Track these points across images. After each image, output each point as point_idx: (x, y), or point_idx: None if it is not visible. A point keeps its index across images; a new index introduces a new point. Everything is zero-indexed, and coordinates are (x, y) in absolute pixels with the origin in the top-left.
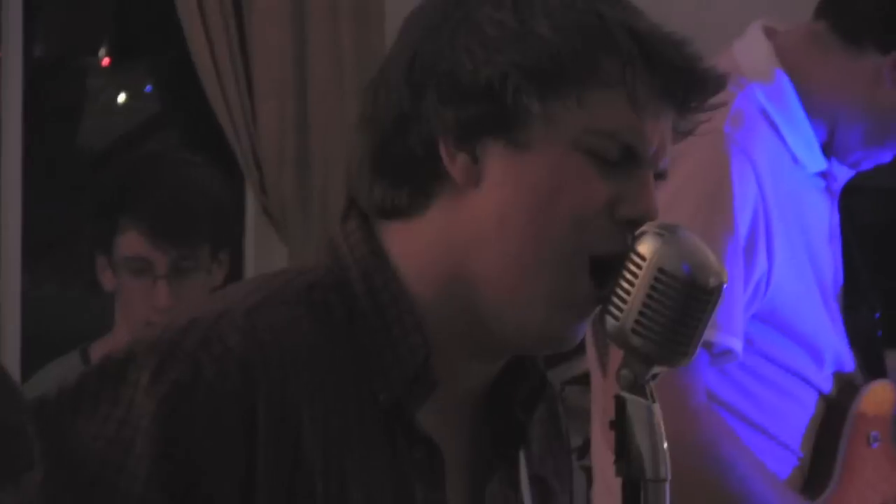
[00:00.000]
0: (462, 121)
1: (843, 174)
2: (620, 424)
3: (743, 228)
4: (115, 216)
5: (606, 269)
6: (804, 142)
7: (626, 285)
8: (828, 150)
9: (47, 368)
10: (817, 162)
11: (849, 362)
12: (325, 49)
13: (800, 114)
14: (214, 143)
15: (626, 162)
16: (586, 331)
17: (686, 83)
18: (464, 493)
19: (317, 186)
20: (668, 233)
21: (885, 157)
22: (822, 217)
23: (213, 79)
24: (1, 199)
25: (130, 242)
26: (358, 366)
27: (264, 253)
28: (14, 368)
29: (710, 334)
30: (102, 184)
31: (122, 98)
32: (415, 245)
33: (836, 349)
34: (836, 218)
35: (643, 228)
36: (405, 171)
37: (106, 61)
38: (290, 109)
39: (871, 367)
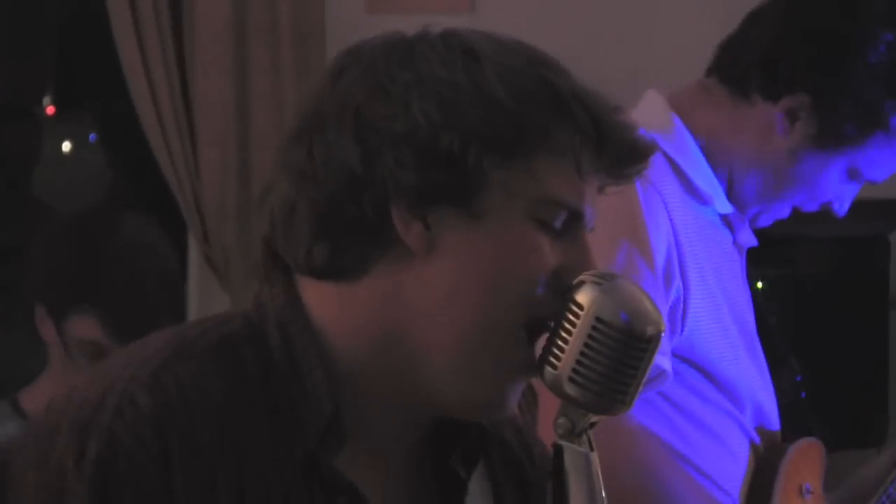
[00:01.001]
0: (419, 187)
1: (747, 234)
2: (558, 473)
3: (660, 258)
4: (74, 296)
5: (540, 329)
6: (709, 184)
7: (564, 335)
8: (729, 200)
9: None
10: (723, 204)
11: (774, 417)
12: (267, 99)
13: (701, 160)
14: (157, 192)
15: (569, 226)
16: None
17: (627, 152)
18: None
19: (258, 235)
20: (605, 281)
21: (783, 213)
22: (733, 263)
23: (156, 128)
24: None
25: (87, 327)
26: (273, 419)
27: (206, 301)
28: None
29: None
30: (64, 254)
31: (66, 147)
32: (348, 305)
33: (759, 399)
34: (744, 270)
35: (581, 277)
36: (352, 233)
37: (50, 110)
38: (233, 159)
39: (798, 429)
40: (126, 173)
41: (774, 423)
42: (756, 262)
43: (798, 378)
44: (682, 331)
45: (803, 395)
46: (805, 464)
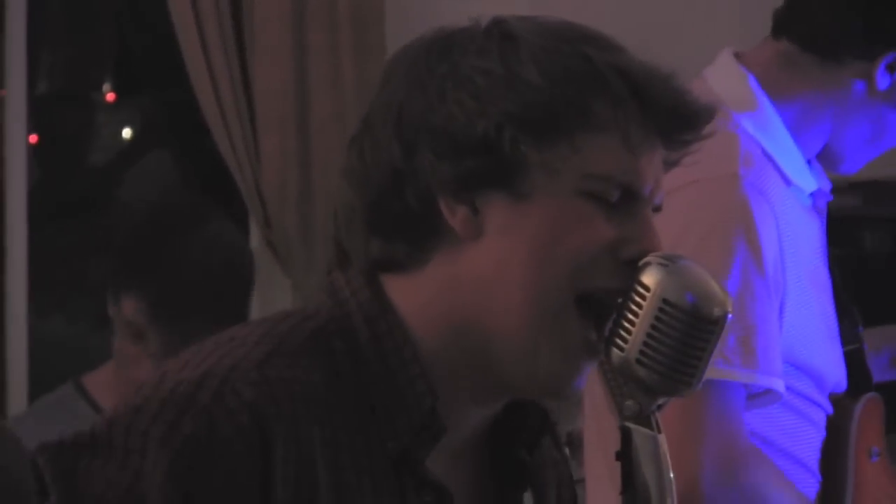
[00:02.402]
0: (460, 175)
1: (827, 189)
2: (626, 455)
3: (770, 269)
4: (124, 277)
5: (605, 308)
6: (795, 165)
7: (630, 316)
8: (820, 162)
9: (41, 400)
10: (808, 183)
11: (843, 382)
12: (327, 84)
13: (787, 138)
14: (218, 178)
15: (626, 201)
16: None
17: (677, 119)
18: None
19: (319, 220)
20: (671, 263)
21: (874, 155)
22: (815, 238)
23: (216, 114)
24: (6, 233)
25: (130, 307)
26: (364, 414)
27: (268, 286)
28: (21, 403)
29: (750, 377)
30: (121, 238)
31: (126, 133)
32: (417, 297)
33: (836, 372)
34: (824, 236)
35: (647, 259)
36: (402, 226)
37: (110, 97)
38: (293, 144)
39: (858, 380)
40: (186, 160)
41: (843, 384)
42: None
43: (860, 329)
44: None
45: (865, 346)
46: (870, 426)
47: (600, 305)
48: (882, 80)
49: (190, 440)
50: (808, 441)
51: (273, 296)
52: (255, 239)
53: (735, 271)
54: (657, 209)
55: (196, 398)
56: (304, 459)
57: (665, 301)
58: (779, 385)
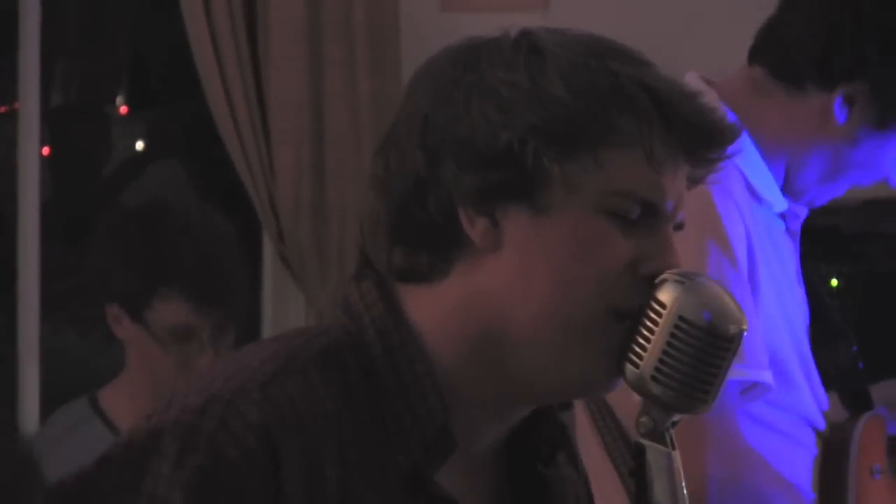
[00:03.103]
0: (482, 187)
1: (801, 213)
2: (640, 472)
3: (742, 262)
4: (154, 284)
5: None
6: (765, 183)
7: (646, 333)
8: (785, 191)
9: (56, 415)
10: (779, 202)
11: (825, 400)
12: (342, 97)
13: (758, 158)
14: (232, 191)
15: (647, 218)
16: None
17: (701, 137)
18: None
19: (333, 234)
20: (688, 280)
21: (839, 193)
22: (789, 260)
23: (230, 127)
24: (19, 246)
25: (174, 311)
26: (376, 428)
27: (281, 301)
28: (33, 416)
29: (740, 372)
30: (132, 244)
31: (139, 146)
32: (436, 308)
33: (817, 386)
34: (798, 259)
35: (663, 276)
36: (423, 236)
37: (124, 110)
38: (307, 157)
39: (858, 400)
40: (200, 173)
41: (825, 402)
42: (830, 259)
43: (854, 348)
44: None
45: (861, 365)
46: (871, 443)
47: (630, 318)
48: (840, 114)
49: (197, 471)
50: (797, 462)
51: (286, 310)
52: (269, 253)
53: (710, 271)
54: (679, 227)
55: (201, 427)
56: (314, 476)
57: (681, 318)
58: (767, 377)
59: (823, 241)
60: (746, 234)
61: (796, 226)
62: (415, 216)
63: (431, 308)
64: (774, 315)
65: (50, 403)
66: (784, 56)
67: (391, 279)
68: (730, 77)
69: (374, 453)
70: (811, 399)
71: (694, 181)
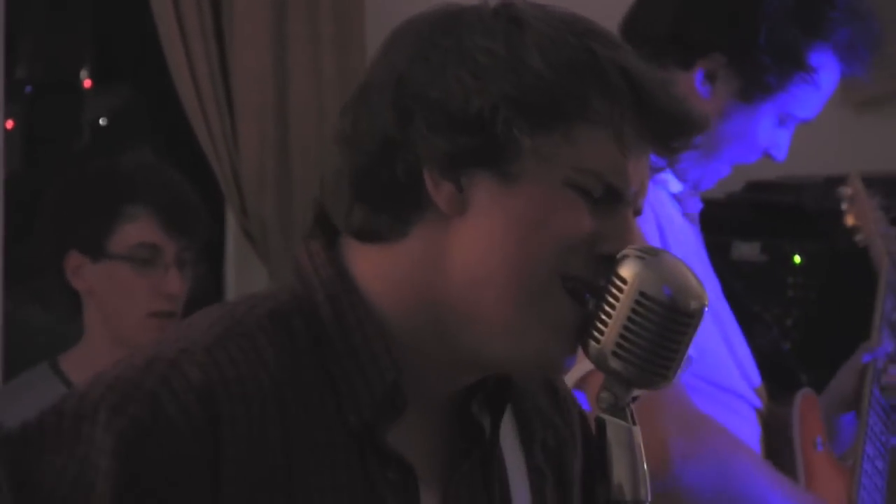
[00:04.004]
0: (450, 150)
1: (694, 202)
2: (600, 447)
3: (655, 243)
4: (120, 206)
5: (578, 291)
6: None
7: (607, 308)
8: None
9: (18, 379)
10: (673, 181)
11: (756, 377)
12: (306, 72)
13: None
14: (195, 165)
15: (608, 200)
16: None
17: (671, 124)
18: (439, 501)
19: (297, 208)
20: (649, 256)
21: (724, 171)
22: (693, 243)
23: (194, 101)
24: None
25: (140, 229)
26: (325, 390)
27: (244, 274)
28: None
29: None
30: (87, 184)
31: (103, 120)
32: (390, 269)
33: (746, 363)
34: (703, 244)
35: (625, 252)
36: (386, 196)
37: (88, 83)
38: (271, 132)
39: (785, 379)
40: (163, 147)
41: (757, 379)
42: (793, 236)
43: (773, 330)
44: None
45: (785, 348)
46: (811, 418)
47: (580, 289)
48: (703, 89)
49: (136, 424)
50: (742, 430)
51: (249, 285)
52: (232, 227)
53: None
54: (637, 213)
55: (141, 383)
56: (255, 438)
57: (642, 294)
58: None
59: (786, 218)
60: (658, 223)
61: (693, 209)
62: (379, 175)
63: (385, 268)
64: None
65: (12, 377)
66: (642, 36)
67: (347, 237)
68: None
69: (321, 416)
70: (739, 376)
71: (654, 170)
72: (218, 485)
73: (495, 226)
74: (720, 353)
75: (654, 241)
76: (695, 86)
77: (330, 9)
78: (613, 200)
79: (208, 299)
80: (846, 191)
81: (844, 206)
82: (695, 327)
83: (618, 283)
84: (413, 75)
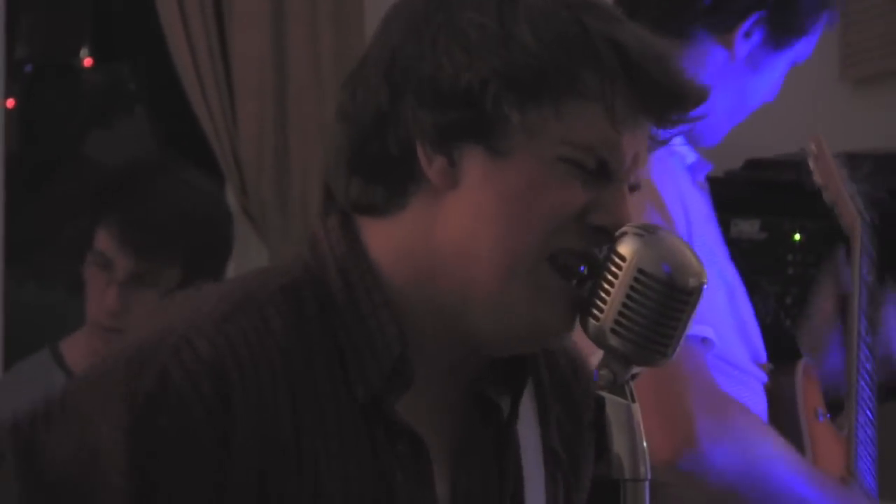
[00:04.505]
0: (440, 125)
1: (705, 167)
2: (599, 424)
3: (680, 223)
4: (99, 212)
5: (571, 267)
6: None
7: (606, 286)
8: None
9: (18, 366)
10: (689, 153)
11: (762, 353)
12: (305, 52)
13: None
14: (195, 145)
15: (601, 174)
16: None
17: (666, 97)
18: (447, 477)
19: (296, 187)
20: (648, 233)
21: (735, 122)
22: (708, 212)
23: (193, 81)
24: None
25: (102, 238)
26: (334, 361)
27: (244, 254)
28: None
29: None
30: (96, 183)
31: (103, 99)
32: (392, 242)
33: (755, 337)
34: (712, 211)
35: (624, 229)
36: (381, 169)
37: (88, 62)
38: (270, 111)
39: (783, 349)
40: (163, 126)
41: (763, 353)
42: (793, 214)
43: (771, 299)
44: None
45: (783, 316)
46: (811, 389)
47: (569, 269)
48: (741, 49)
49: (147, 398)
50: (756, 407)
51: (249, 264)
52: (232, 206)
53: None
54: (635, 187)
55: (153, 356)
56: (264, 411)
57: (641, 271)
58: (708, 332)
59: (786, 196)
60: (680, 196)
61: (702, 176)
62: (373, 149)
63: (387, 241)
64: (711, 274)
65: (12, 358)
66: (667, 11)
67: (351, 212)
68: None
69: (330, 387)
70: (748, 351)
71: (657, 141)
72: (228, 456)
73: (486, 200)
74: (731, 328)
75: (682, 223)
76: (732, 46)
77: None
78: (606, 175)
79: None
80: (811, 148)
81: (811, 165)
82: (693, 305)
83: (616, 260)
84: (405, 50)
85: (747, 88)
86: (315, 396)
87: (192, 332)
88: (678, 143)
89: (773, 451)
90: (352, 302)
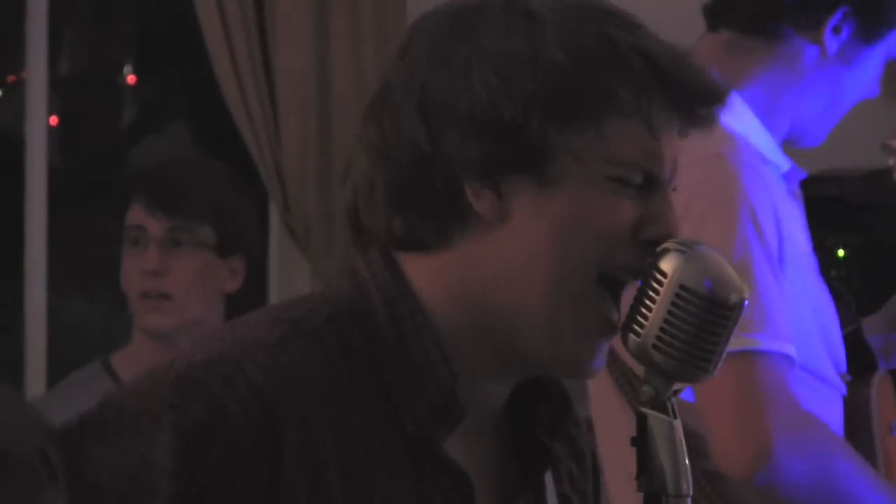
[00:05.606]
0: (486, 159)
1: (799, 174)
2: (642, 440)
3: (771, 237)
4: (128, 194)
5: (618, 287)
6: (767, 143)
7: (647, 302)
8: (786, 145)
9: (70, 378)
10: (783, 162)
11: (844, 361)
12: (348, 66)
13: (754, 119)
14: (238, 161)
15: (647, 185)
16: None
17: (696, 97)
18: None
19: (339, 204)
20: (689, 249)
21: (836, 121)
22: (801, 224)
23: (237, 96)
24: (27, 216)
25: (132, 214)
26: (381, 397)
27: (288, 269)
28: (40, 385)
29: (769, 344)
30: (132, 175)
31: (147, 115)
32: (438, 277)
33: (838, 352)
34: (804, 219)
35: (665, 245)
36: (427, 208)
37: (131, 79)
38: (313, 127)
39: (861, 360)
40: (206, 142)
41: (843, 365)
42: (836, 229)
43: (852, 308)
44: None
45: (865, 327)
46: (886, 402)
47: (619, 284)
48: (831, 45)
49: (199, 425)
50: (830, 421)
51: (292, 280)
52: (275, 222)
53: (738, 242)
54: (674, 189)
55: (206, 383)
56: (315, 444)
57: (682, 287)
58: (790, 350)
59: (829, 211)
60: (774, 209)
61: (796, 186)
62: (417, 188)
63: (433, 276)
64: (798, 290)
65: (57, 373)
66: (756, 11)
67: (390, 246)
68: (697, 47)
69: (377, 421)
70: (830, 363)
71: (681, 134)
72: (277, 488)
73: (538, 230)
74: (816, 339)
75: (772, 234)
76: (822, 43)
77: (371, 3)
78: (652, 185)
79: (252, 294)
80: (893, 143)
81: (891, 162)
82: (734, 320)
83: (658, 276)
84: (436, 83)
85: (843, 85)
86: (365, 432)
87: (244, 362)
88: (771, 150)
89: (849, 467)
90: (400, 337)
